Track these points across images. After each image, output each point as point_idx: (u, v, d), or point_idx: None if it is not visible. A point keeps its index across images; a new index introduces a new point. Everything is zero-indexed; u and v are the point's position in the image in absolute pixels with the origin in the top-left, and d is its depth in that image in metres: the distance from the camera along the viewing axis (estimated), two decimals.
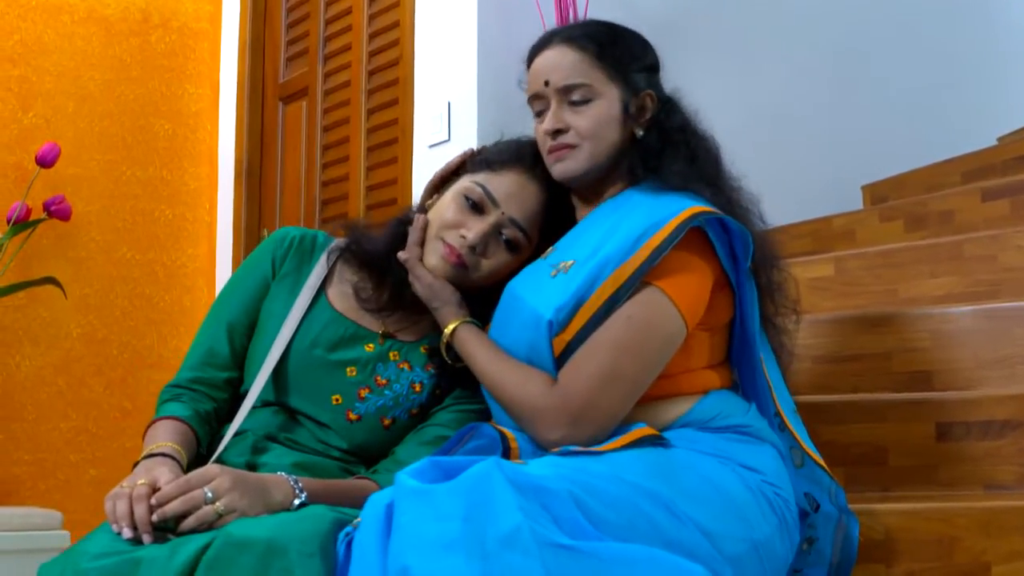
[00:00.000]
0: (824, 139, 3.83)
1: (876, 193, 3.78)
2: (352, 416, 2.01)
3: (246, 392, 2.05)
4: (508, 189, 2.00)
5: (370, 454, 2.01)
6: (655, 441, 1.75)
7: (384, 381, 2.03)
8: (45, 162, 3.77)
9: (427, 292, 1.98)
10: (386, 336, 2.07)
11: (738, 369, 1.96)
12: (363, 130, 3.69)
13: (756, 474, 1.79)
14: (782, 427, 1.95)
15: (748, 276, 1.86)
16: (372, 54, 3.69)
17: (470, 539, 1.44)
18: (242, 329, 2.08)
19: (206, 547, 1.58)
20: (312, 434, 2.01)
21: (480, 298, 2.04)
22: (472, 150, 2.13)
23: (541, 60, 2.01)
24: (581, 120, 1.94)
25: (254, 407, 2.02)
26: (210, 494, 1.68)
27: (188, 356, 2.08)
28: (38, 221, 3.78)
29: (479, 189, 1.99)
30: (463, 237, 1.97)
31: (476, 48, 3.22)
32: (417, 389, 2.04)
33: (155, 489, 1.69)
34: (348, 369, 2.02)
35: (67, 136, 3.96)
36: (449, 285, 1.98)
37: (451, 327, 1.95)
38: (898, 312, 2.60)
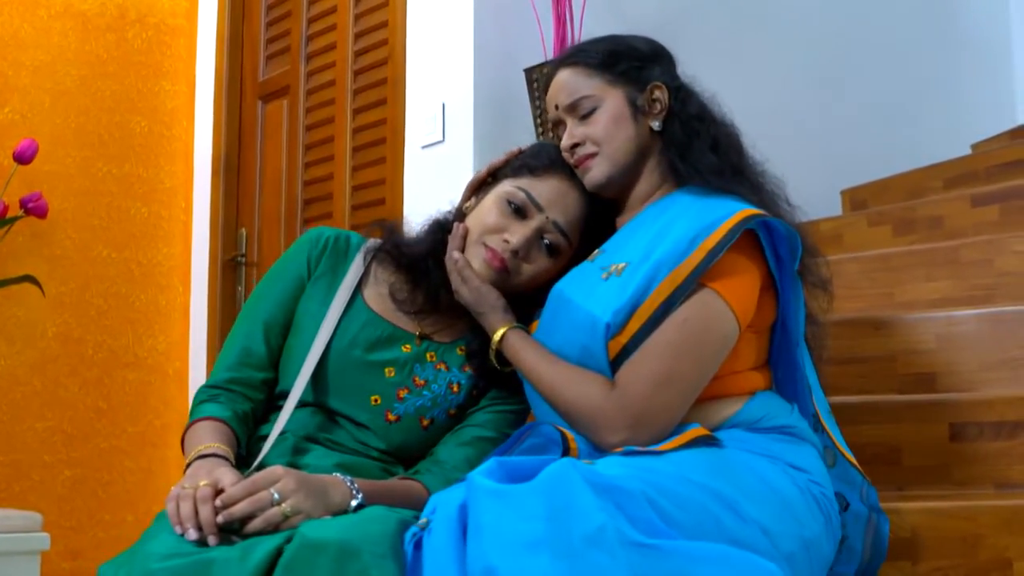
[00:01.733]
0: (804, 143, 3.87)
1: (856, 198, 3.85)
2: (391, 417, 2.01)
3: (281, 392, 2.05)
4: (551, 193, 2.01)
5: (408, 454, 2.02)
6: (709, 441, 1.78)
7: (422, 382, 2.03)
8: (23, 159, 3.71)
9: (474, 296, 1.99)
10: (423, 337, 2.07)
11: (777, 370, 1.99)
12: (348, 130, 3.67)
13: (804, 474, 1.83)
14: (817, 427, 1.99)
15: (794, 277, 1.90)
16: (358, 53, 3.68)
17: (555, 539, 1.45)
18: (278, 329, 2.07)
19: (278, 548, 1.58)
20: (351, 435, 2.01)
21: (521, 301, 2.05)
22: (511, 154, 2.14)
23: (550, 89, 2.10)
24: (592, 128, 2.00)
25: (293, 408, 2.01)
26: (276, 495, 1.68)
27: (223, 356, 2.06)
28: (15, 219, 3.72)
29: (522, 193, 2.00)
30: (506, 241, 1.98)
31: (472, 49, 3.22)
32: (455, 390, 2.05)
33: (218, 490, 1.68)
34: (387, 370, 2.03)
35: (43, 132, 3.90)
36: (495, 290, 1.99)
37: (500, 332, 1.96)
38: (903, 315, 2.66)
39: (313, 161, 3.84)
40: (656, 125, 2.00)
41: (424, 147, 3.34)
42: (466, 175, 3.16)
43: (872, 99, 4.20)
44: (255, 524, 1.65)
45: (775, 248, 1.88)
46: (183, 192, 4.24)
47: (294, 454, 1.96)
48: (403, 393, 2.02)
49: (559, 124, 2.07)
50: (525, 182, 2.02)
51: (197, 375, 4.11)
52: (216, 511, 1.65)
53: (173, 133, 4.24)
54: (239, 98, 4.20)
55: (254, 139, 4.12)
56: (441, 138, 3.29)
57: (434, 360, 2.06)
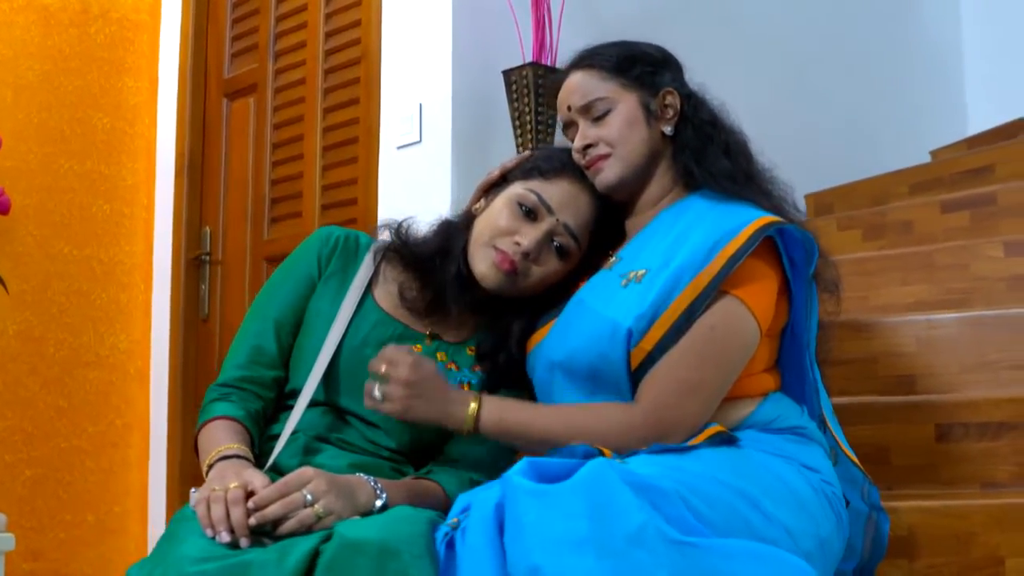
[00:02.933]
0: (768, 148, 3.93)
1: (821, 202, 3.91)
2: None
3: (291, 391, 2.05)
4: (562, 197, 2.03)
5: (418, 454, 2.03)
6: (728, 439, 1.82)
7: None
8: None
9: (419, 405, 1.86)
10: (433, 337, 2.08)
11: (786, 372, 2.03)
12: (319, 129, 3.66)
13: (816, 473, 1.87)
14: (822, 427, 2.03)
15: (808, 282, 1.94)
16: (329, 52, 3.66)
17: (598, 537, 1.48)
18: (288, 327, 2.07)
19: (315, 549, 1.58)
20: (361, 434, 2.02)
21: (522, 304, 2.07)
22: (522, 156, 2.15)
23: (561, 92, 2.13)
24: (605, 130, 2.03)
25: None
26: (309, 497, 1.68)
27: (233, 354, 2.06)
28: None
29: (533, 195, 2.01)
30: (517, 244, 1.99)
31: (451, 51, 3.22)
32: (465, 389, 2.06)
33: (249, 492, 1.68)
34: None
35: (5, 128, 3.83)
36: (428, 378, 1.88)
37: (471, 417, 1.88)
38: (883, 318, 2.72)
39: (281, 160, 3.82)
40: (668, 130, 2.04)
41: (400, 147, 3.34)
42: (444, 176, 3.17)
43: (834, 107, 4.28)
44: (288, 525, 1.65)
45: (790, 254, 1.91)
46: (145, 189, 4.19)
47: (306, 454, 1.96)
48: None
49: (570, 125, 2.10)
50: (536, 184, 2.03)
51: (159, 374, 4.08)
52: (248, 513, 1.64)
53: (136, 130, 4.19)
54: (203, 95, 4.16)
55: (219, 137, 4.08)
56: (418, 138, 3.29)
57: (444, 360, 2.07)
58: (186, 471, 3.97)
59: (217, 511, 1.64)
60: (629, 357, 1.85)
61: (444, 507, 1.87)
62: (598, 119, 2.04)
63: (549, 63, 3.16)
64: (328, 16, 3.68)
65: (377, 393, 1.84)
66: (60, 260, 3.99)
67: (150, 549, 3.84)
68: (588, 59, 2.09)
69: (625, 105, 2.03)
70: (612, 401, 1.90)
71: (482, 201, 2.12)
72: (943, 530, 2.14)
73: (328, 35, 3.68)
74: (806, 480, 1.83)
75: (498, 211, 2.04)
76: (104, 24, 4.13)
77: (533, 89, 3.11)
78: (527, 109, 3.12)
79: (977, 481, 2.39)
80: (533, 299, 2.06)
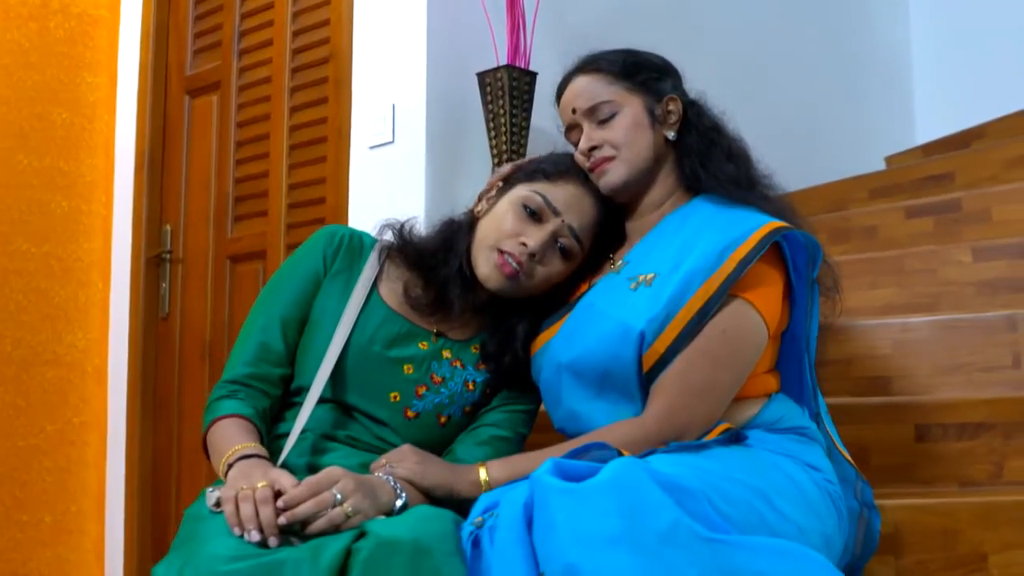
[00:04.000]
0: None
1: None
2: (410, 413, 2.04)
3: (297, 388, 2.05)
4: (566, 199, 2.06)
5: (424, 451, 2.04)
6: (736, 436, 1.87)
7: (440, 379, 2.07)
8: None
9: (431, 479, 1.90)
10: (439, 335, 2.10)
11: (784, 373, 2.08)
12: (285, 127, 3.65)
13: (819, 472, 1.92)
14: (820, 427, 2.08)
15: (809, 285, 1.99)
16: (296, 51, 3.66)
17: (631, 535, 1.51)
18: (295, 325, 2.07)
19: (347, 548, 1.59)
20: (369, 431, 2.03)
21: (521, 305, 2.10)
22: (522, 161, 2.18)
23: (566, 95, 2.16)
24: (611, 133, 2.06)
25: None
26: (339, 496, 1.69)
27: (240, 351, 2.06)
28: None
29: (539, 197, 2.04)
30: (524, 245, 2.01)
31: (425, 52, 3.24)
32: (471, 388, 2.09)
33: (276, 491, 1.69)
34: (405, 367, 2.05)
35: None
36: (425, 461, 1.93)
37: (483, 479, 1.92)
38: (859, 322, 2.78)
39: (246, 158, 3.80)
40: (671, 135, 2.08)
41: (372, 147, 3.35)
42: (418, 176, 3.19)
43: (789, 113, 4.35)
44: (319, 524, 1.66)
45: (793, 258, 1.96)
46: (104, 186, 4.15)
47: (314, 453, 1.98)
48: (422, 390, 2.05)
49: (573, 128, 2.13)
50: (541, 186, 2.06)
51: (117, 372, 4.04)
52: (278, 512, 1.65)
53: (95, 126, 4.15)
54: (164, 92, 4.13)
55: (180, 134, 4.05)
56: (391, 139, 3.30)
57: (450, 357, 2.09)
58: (145, 470, 3.94)
59: (246, 510, 1.64)
60: (641, 359, 1.89)
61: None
62: (603, 122, 2.07)
63: (523, 66, 3.19)
64: (295, 15, 3.68)
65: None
66: (18, 257, 3.94)
67: (108, 549, 3.88)
68: (593, 63, 2.12)
69: (630, 109, 2.07)
70: (618, 403, 1.94)
71: (483, 203, 2.14)
72: (929, 527, 2.20)
73: (295, 34, 3.67)
74: (811, 479, 1.88)
75: (503, 213, 2.06)
76: (64, 19, 4.08)
77: (508, 91, 3.13)
78: (502, 111, 3.15)
79: (955, 480, 2.46)
80: (536, 300, 2.09)
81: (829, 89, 4.58)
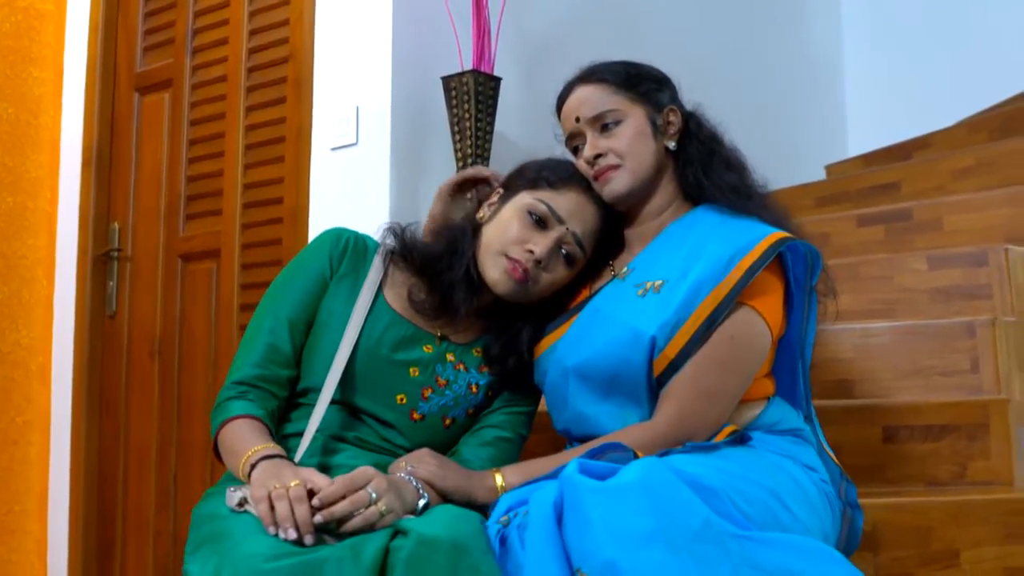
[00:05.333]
0: None
1: None
2: (416, 415, 2.08)
3: (303, 390, 2.07)
4: (570, 207, 2.10)
5: None
6: (741, 438, 1.93)
7: (444, 382, 2.10)
8: None
9: (449, 483, 1.92)
10: (442, 338, 2.14)
11: (779, 377, 2.15)
12: (241, 126, 3.65)
13: (815, 473, 1.99)
14: (812, 429, 2.16)
15: (806, 293, 2.06)
16: (253, 51, 3.65)
17: (665, 532, 1.56)
18: (302, 327, 2.09)
19: (385, 546, 1.62)
20: (376, 432, 2.06)
21: (521, 310, 2.15)
22: (520, 168, 2.21)
23: (568, 104, 2.20)
24: (616, 141, 2.11)
25: (315, 405, 2.04)
26: (374, 494, 1.71)
27: (247, 351, 2.07)
28: None
29: (543, 206, 2.08)
30: (530, 252, 2.05)
31: (390, 55, 3.26)
32: (474, 390, 2.13)
33: (309, 490, 1.71)
34: (411, 369, 2.08)
35: None
36: (444, 466, 1.96)
37: (499, 483, 1.96)
38: (822, 327, 2.86)
39: (199, 157, 3.78)
40: (672, 145, 2.14)
41: (335, 149, 3.36)
42: (382, 179, 3.21)
43: (730, 121, 4.44)
44: (355, 523, 1.68)
45: (793, 267, 2.04)
46: (49, 183, 4.09)
47: (324, 454, 2.00)
48: (428, 392, 2.08)
49: (575, 137, 2.17)
50: (545, 195, 2.10)
51: (62, 371, 3.99)
52: (313, 511, 1.67)
53: (40, 122, 4.09)
54: (112, 89, 4.08)
55: (129, 131, 4.02)
56: (355, 140, 3.32)
57: (453, 361, 2.13)
58: (91, 470, 3.90)
59: (283, 509, 1.66)
60: (651, 364, 1.94)
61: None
62: (607, 131, 2.12)
63: (487, 71, 3.23)
64: (252, 14, 3.67)
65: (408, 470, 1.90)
66: None
67: (51, 549, 3.82)
68: (597, 74, 2.17)
69: (634, 119, 2.12)
70: (624, 405, 1.99)
71: (485, 208, 2.18)
72: (904, 525, 2.29)
73: (252, 33, 3.66)
74: (810, 479, 1.95)
75: (508, 220, 2.10)
76: (10, 12, 4.02)
77: (473, 96, 3.17)
78: (467, 116, 3.18)
79: (921, 480, 2.56)
80: (538, 304, 2.14)
81: (768, 99, 4.69)
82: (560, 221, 2.08)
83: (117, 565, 3.85)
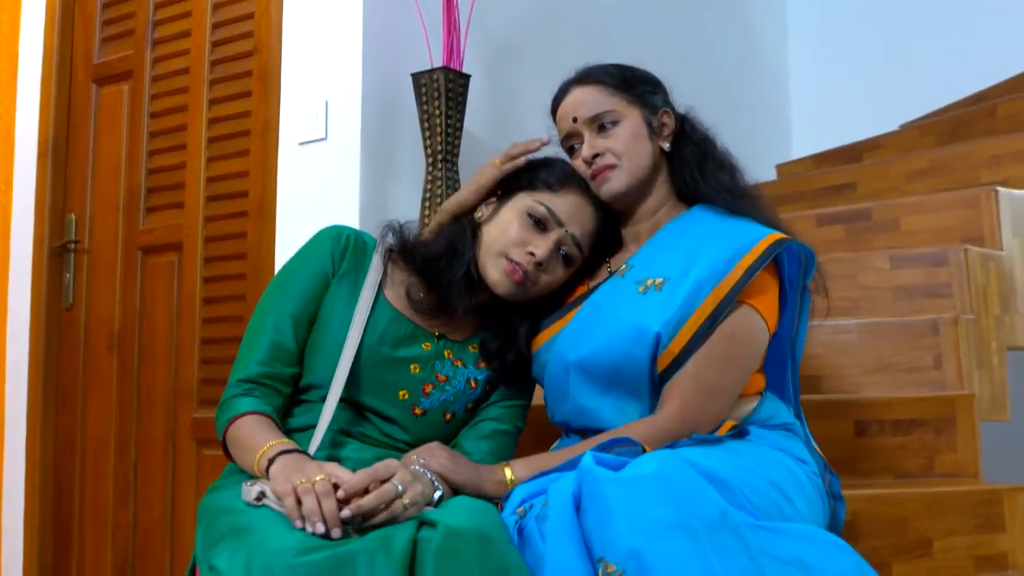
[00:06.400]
0: None
1: None
2: (418, 411, 2.11)
3: (306, 386, 2.10)
4: (569, 209, 2.14)
5: None
6: (739, 432, 2.00)
7: (444, 378, 2.14)
8: None
9: (459, 476, 1.95)
10: (440, 336, 2.17)
11: (768, 372, 2.22)
12: (204, 120, 3.64)
13: (807, 466, 2.06)
14: (801, 423, 2.24)
15: (798, 291, 2.13)
16: (216, 44, 3.65)
17: (685, 522, 1.62)
18: (305, 324, 2.11)
19: (414, 538, 1.65)
20: (378, 428, 2.10)
21: (521, 307, 2.19)
22: (519, 162, 2.24)
23: (565, 104, 2.25)
24: (613, 142, 2.16)
25: (317, 401, 2.07)
26: (400, 487, 1.74)
27: (252, 348, 2.08)
28: None
29: (543, 208, 2.12)
30: (531, 254, 2.09)
31: (361, 51, 3.28)
32: (472, 385, 2.17)
33: (334, 484, 1.73)
34: (412, 366, 2.12)
35: None
36: (452, 460, 1.98)
37: (508, 476, 2.00)
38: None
39: (159, 149, 3.77)
40: (666, 146, 2.20)
41: (303, 143, 3.37)
42: (352, 174, 3.24)
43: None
44: (381, 516, 1.71)
45: (787, 267, 2.11)
46: (3, 174, 4.04)
47: (331, 447, 2.02)
48: (428, 388, 2.12)
49: (572, 137, 2.21)
50: (544, 197, 2.14)
51: (17, 365, 3.95)
52: (340, 505, 1.69)
53: None
54: (68, 80, 4.05)
55: (86, 123, 3.98)
56: (323, 135, 3.33)
57: (451, 357, 2.17)
58: (47, 466, 3.87)
59: (310, 503, 1.68)
60: (655, 359, 2.00)
61: None
62: (605, 132, 2.17)
63: (457, 68, 3.26)
64: (216, 7, 3.67)
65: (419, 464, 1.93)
66: None
67: (5, 547, 3.78)
68: (594, 75, 2.22)
69: (631, 120, 2.18)
70: (624, 399, 2.05)
71: (483, 208, 2.21)
72: (880, 516, 2.38)
73: (216, 26, 3.66)
74: (804, 473, 2.02)
75: (507, 222, 2.13)
76: None
77: (444, 93, 3.20)
78: (437, 112, 3.21)
79: (892, 472, 2.65)
80: (534, 301, 2.18)
81: (719, 99, 4.75)
82: (559, 224, 2.12)
83: (74, 557, 3.82)
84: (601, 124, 2.18)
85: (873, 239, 3.33)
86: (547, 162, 2.23)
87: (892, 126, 4.63)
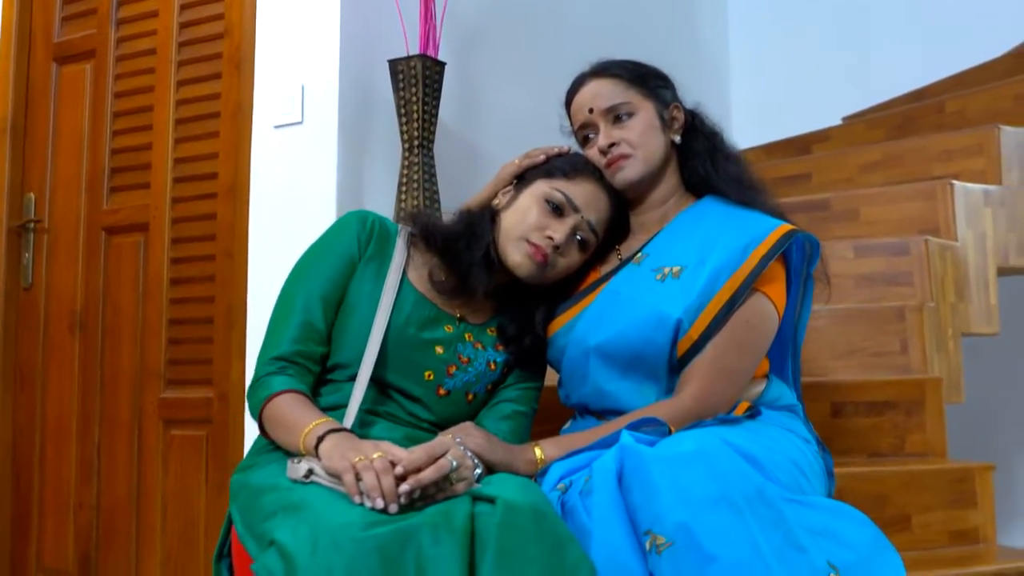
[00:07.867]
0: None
1: None
2: (442, 391, 2.18)
3: (333, 366, 2.15)
4: (585, 196, 2.23)
5: (450, 425, 2.17)
6: (753, 413, 2.11)
7: (466, 359, 2.21)
8: None
9: (494, 456, 2.01)
10: (460, 319, 2.25)
11: (771, 357, 2.32)
12: (172, 100, 3.65)
13: (811, 445, 2.18)
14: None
15: (801, 280, 2.24)
16: (185, 25, 3.66)
17: (728, 496, 1.71)
18: (333, 305, 2.16)
19: (471, 512, 1.71)
20: (403, 407, 2.16)
21: (530, 291, 2.27)
22: (538, 159, 2.31)
23: (581, 95, 2.33)
24: (628, 132, 2.26)
25: (344, 381, 2.13)
26: (455, 463, 1.81)
27: (282, 328, 2.13)
28: None
29: (560, 194, 2.20)
30: (550, 238, 2.17)
31: (338, 37, 3.31)
32: (492, 367, 2.24)
33: (391, 462, 1.78)
34: (436, 347, 2.18)
35: None
36: (490, 444, 2.04)
37: (539, 455, 2.09)
38: None
39: (124, 129, 3.76)
40: (677, 139, 2.29)
41: (278, 127, 3.40)
42: (328, 158, 3.28)
43: None
44: (437, 493, 1.78)
45: (793, 256, 2.22)
46: None
47: (360, 427, 2.08)
48: (452, 369, 2.19)
49: (587, 127, 2.30)
50: (561, 184, 2.22)
51: None
52: (398, 481, 1.75)
53: None
54: (27, 58, 4.02)
55: (46, 101, 3.96)
56: (299, 119, 3.37)
57: (471, 340, 2.24)
58: (5, 448, 3.85)
59: (370, 479, 1.73)
60: (675, 344, 2.09)
61: None
62: (621, 123, 2.26)
63: (433, 55, 3.32)
64: None
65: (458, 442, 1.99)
66: None
67: None
68: (610, 69, 2.31)
69: (645, 112, 2.27)
70: (643, 382, 2.14)
71: (501, 196, 2.29)
72: (863, 492, 2.51)
73: (184, 7, 3.67)
74: (810, 451, 2.14)
75: (526, 207, 2.21)
76: None
77: (421, 80, 3.25)
78: (414, 99, 3.26)
79: (865, 451, 2.79)
80: (549, 286, 2.26)
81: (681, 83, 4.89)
82: (576, 209, 2.20)
83: (33, 538, 3.81)
84: (617, 115, 2.26)
85: (833, 228, 3.47)
86: (562, 152, 2.31)
87: (833, 120, 4.78)
